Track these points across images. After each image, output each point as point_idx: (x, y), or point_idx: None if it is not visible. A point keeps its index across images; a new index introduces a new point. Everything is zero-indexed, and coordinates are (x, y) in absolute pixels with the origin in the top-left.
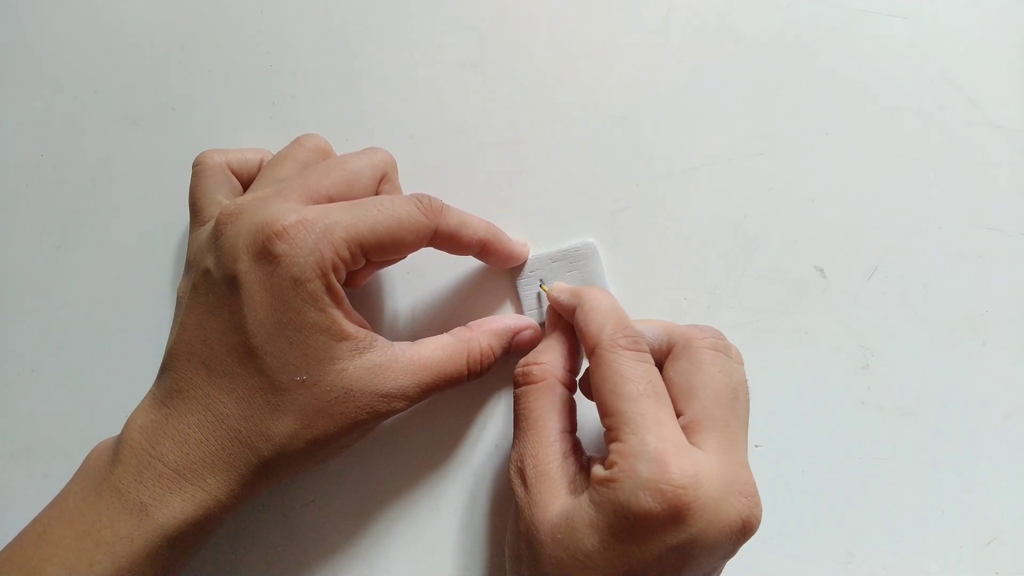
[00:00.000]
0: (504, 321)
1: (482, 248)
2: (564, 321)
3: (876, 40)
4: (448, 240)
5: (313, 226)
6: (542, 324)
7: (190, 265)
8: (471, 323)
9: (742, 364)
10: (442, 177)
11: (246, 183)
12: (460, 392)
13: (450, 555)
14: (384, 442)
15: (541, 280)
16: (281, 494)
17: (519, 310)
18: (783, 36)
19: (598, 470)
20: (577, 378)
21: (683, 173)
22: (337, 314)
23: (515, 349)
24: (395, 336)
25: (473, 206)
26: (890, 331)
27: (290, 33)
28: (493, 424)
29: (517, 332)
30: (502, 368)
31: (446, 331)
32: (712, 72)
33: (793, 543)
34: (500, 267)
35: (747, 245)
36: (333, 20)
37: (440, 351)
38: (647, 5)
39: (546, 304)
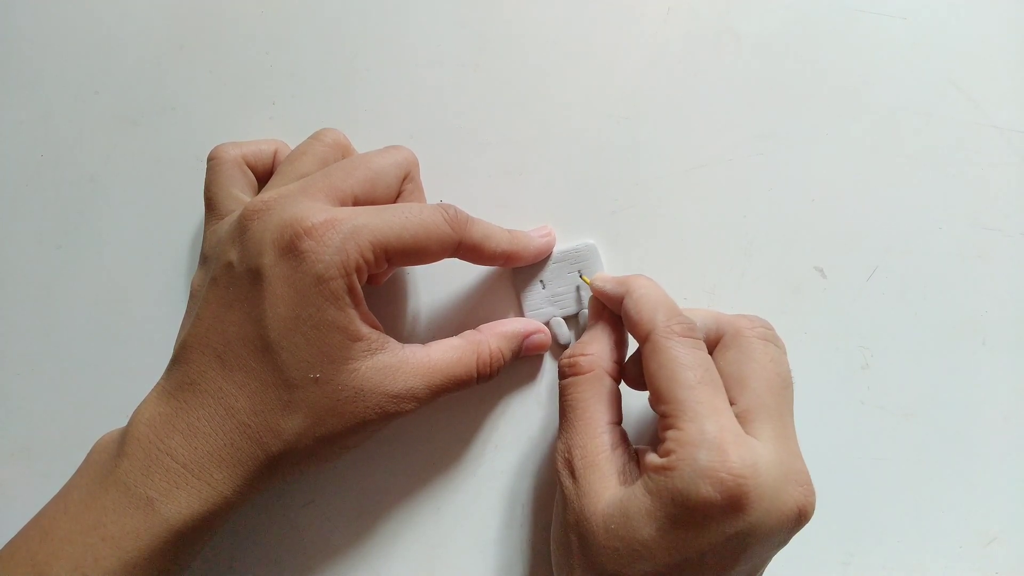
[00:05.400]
0: (514, 324)
1: (506, 260)
2: (607, 312)
3: (876, 40)
4: (471, 252)
5: (341, 226)
6: (576, 315)
7: (207, 258)
8: (481, 326)
9: (786, 354)
10: (442, 177)
11: (261, 175)
12: (461, 393)
13: (450, 556)
14: (384, 443)
15: (580, 271)
16: (281, 494)
17: (520, 315)
18: (783, 36)
19: (653, 458)
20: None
21: (683, 173)
22: (354, 314)
23: (525, 353)
24: (406, 338)
25: (473, 206)
26: (890, 331)
27: (290, 33)
28: (493, 425)
29: (527, 335)
30: (507, 371)
31: (456, 334)
32: (712, 72)
33: (793, 543)
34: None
35: (747, 245)
36: (333, 20)
37: (450, 353)
38: (647, 5)
39: (587, 295)
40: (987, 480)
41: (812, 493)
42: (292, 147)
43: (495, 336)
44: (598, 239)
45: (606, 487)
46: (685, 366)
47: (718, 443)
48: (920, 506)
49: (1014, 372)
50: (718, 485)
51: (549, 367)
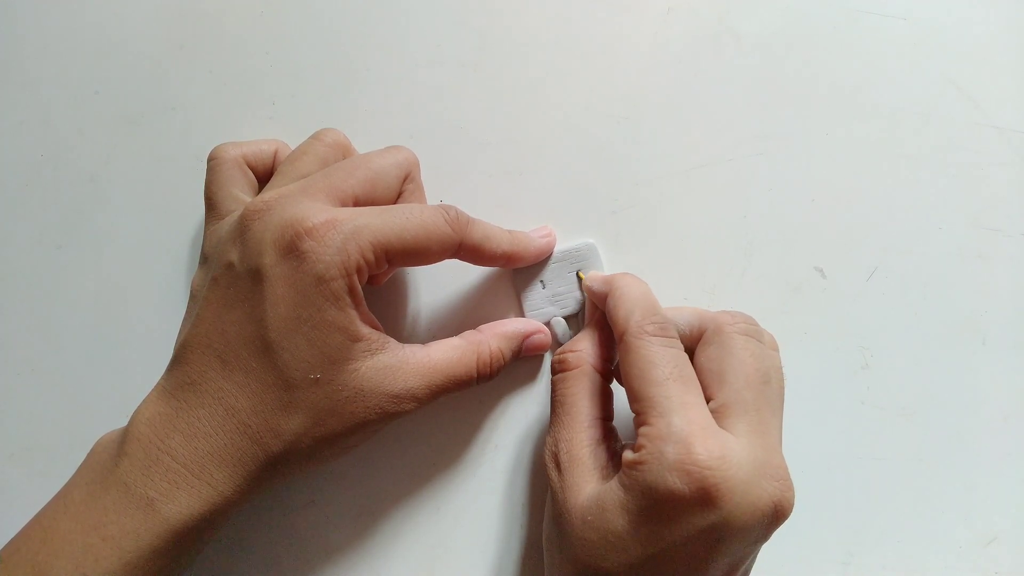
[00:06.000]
0: (514, 325)
1: (506, 260)
2: (600, 310)
3: (876, 40)
4: (472, 253)
5: (341, 226)
6: (576, 314)
7: (207, 258)
8: (481, 326)
9: (776, 350)
10: (442, 177)
11: (261, 175)
12: (461, 393)
13: (450, 556)
14: (384, 442)
15: (579, 271)
16: (281, 494)
17: (520, 314)
18: (783, 36)
19: (627, 454)
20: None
21: (683, 173)
22: (355, 315)
23: (525, 353)
24: (406, 338)
25: (473, 206)
26: (890, 331)
27: (290, 33)
28: (493, 425)
29: (527, 336)
30: (507, 371)
31: (456, 334)
32: (712, 72)
33: (793, 543)
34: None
35: (747, 245)
36: (333, 20)
37: (450, 353)
38: (647, 5)
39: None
40: (987, 480)
41: (789, 488)
42: (292, 147)
43: (495, 336)
44: (598, 239)
45: (587, 481)
46: (655, 364)
47: (684, 436)
48: (920, 506)
49: (1014, 372)
50: (685, 477)
51: (548, 367)
